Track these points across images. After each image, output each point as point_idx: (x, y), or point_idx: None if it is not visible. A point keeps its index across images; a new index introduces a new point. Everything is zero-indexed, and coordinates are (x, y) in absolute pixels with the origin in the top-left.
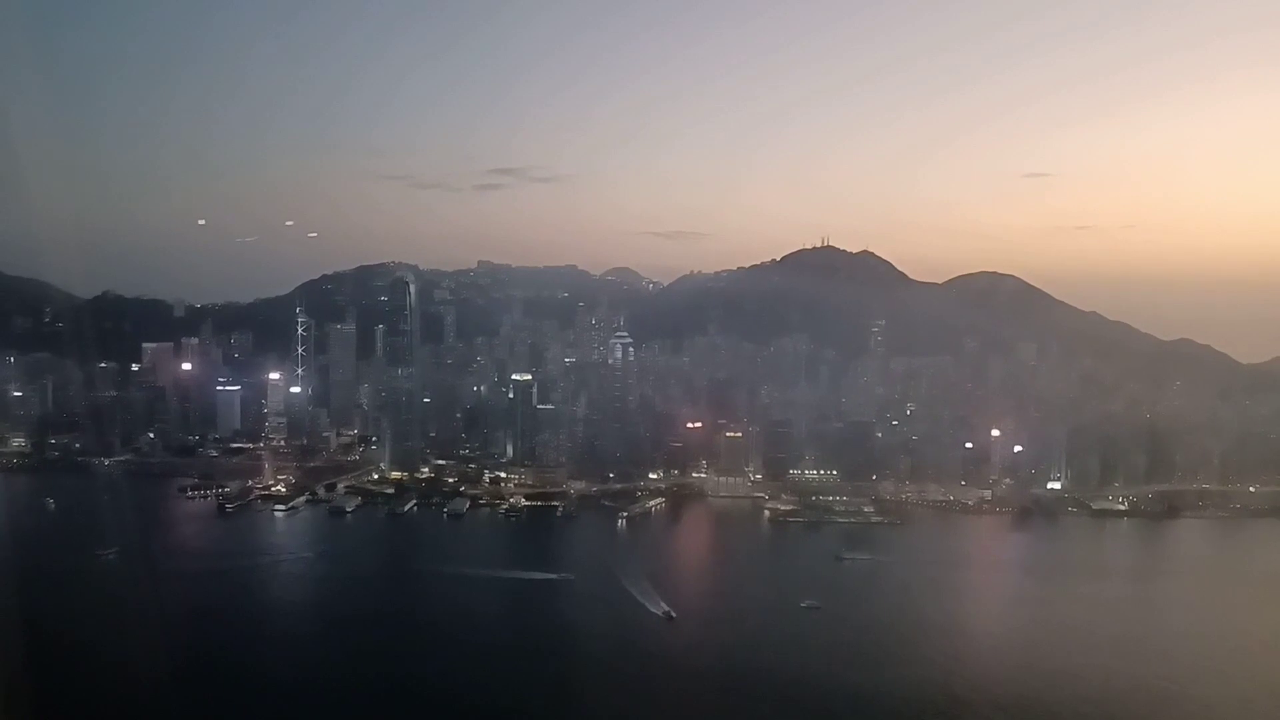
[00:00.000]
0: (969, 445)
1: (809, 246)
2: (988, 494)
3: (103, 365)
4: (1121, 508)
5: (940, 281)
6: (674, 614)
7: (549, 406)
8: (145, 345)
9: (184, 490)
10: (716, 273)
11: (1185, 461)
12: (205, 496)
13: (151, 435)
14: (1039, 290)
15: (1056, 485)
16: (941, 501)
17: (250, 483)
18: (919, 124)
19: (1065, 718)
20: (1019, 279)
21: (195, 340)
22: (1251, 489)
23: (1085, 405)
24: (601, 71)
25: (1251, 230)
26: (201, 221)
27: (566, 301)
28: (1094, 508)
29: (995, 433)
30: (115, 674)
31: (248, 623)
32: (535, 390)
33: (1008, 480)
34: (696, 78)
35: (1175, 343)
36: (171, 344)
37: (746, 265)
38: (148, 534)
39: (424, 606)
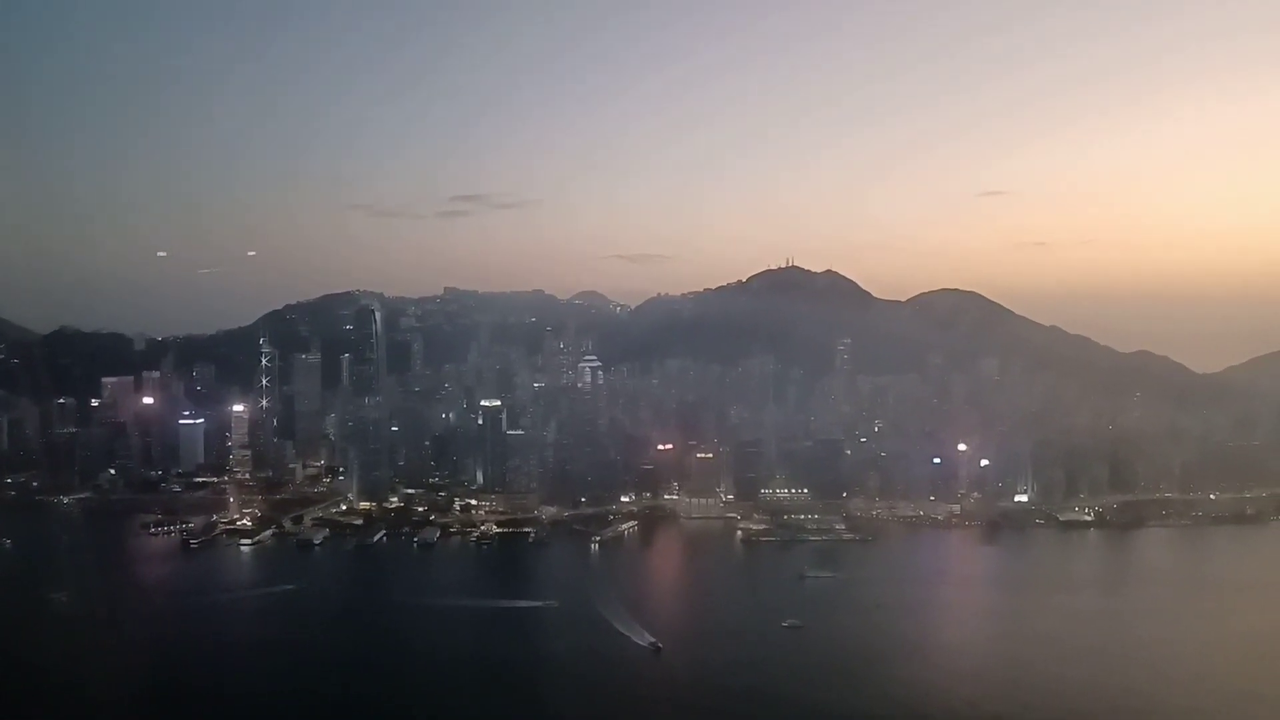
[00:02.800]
0: (937, 460)
1: (774, 267)
2: (956, 508)
3: (61, 401)
4: (1088, 519)
5: (903, 299)
6: (660, 645)
7: (519, 432)
8: (105, 380)
9: (146, 527)
10: (683, 295)
11: (1147, 472)
12: (169, 533)
13: (112, 471)
14: (1000, 306)
15: (1023, 498)
16: (912, 517)
17: (215, 517)
18: (878, 145)
19: None
20: (980, 295)
21: (156, 374)
22: (1212, 496)
23: (1049, 418)
24: (563, 98)
25: (1204, 245)
26: (162, 253)
27: (534, 326)
28: (1061, 519)
29: (962, 447)
30: None
31: (204, 663)
32: (504, 416)
33: (975, 494)
34: (658, 103)
35: (1134, 355)
36: (132, 378)
37: (713, 287)
38: (106, 573)
39: (397, 642)
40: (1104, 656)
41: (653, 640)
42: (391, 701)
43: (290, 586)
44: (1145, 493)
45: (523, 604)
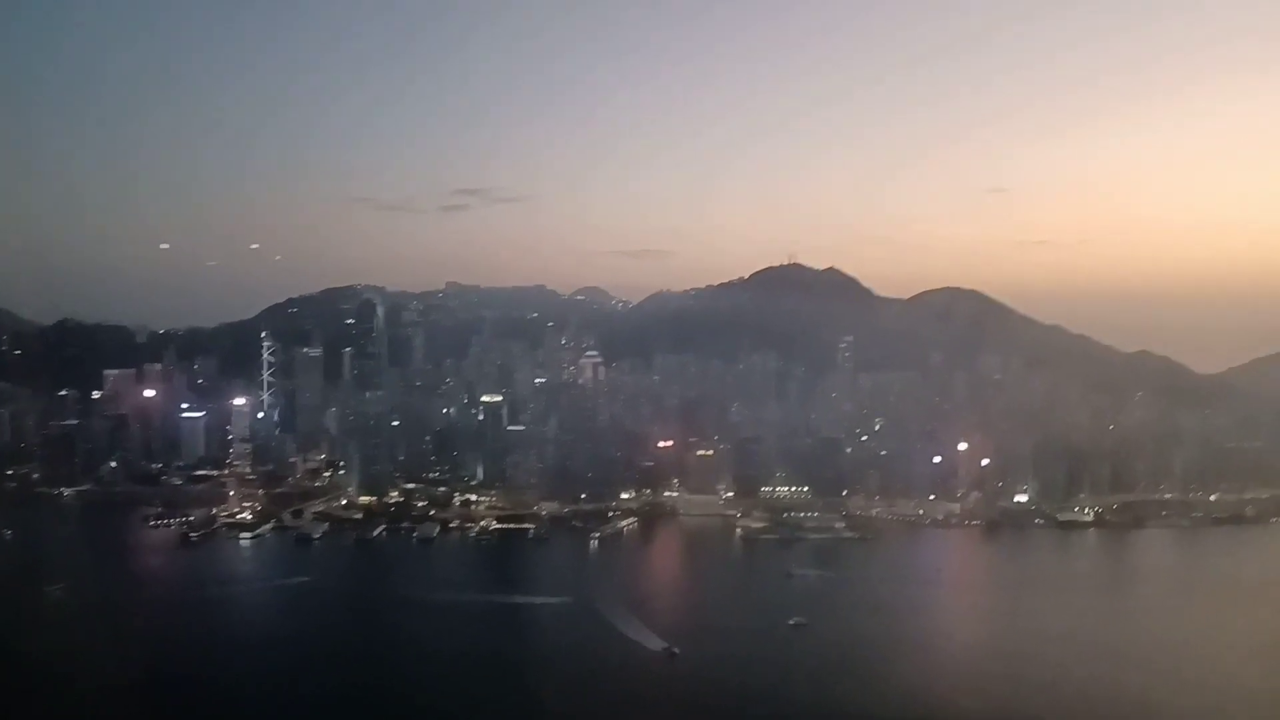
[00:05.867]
0: (937, 459)
1: (776, 264)
2: (956, 508)
3: (62, 393)
4: (1087, 519)
5: (905, 297)
6: (675, 650)
7: (519, 427)
8: (106, 372)
9: (147, 520)
10: (685, 291)
11: (1148, 472)
12: (169, 525)
13: (113, 464)
14: (1001, 305)
15: (1024, 498)
16: (911, 516)
17: (215, 510)
18: (881, 142)
19: None
20: (982, 294)
21: (158, 366)
22: (1212, 497)
23: (1049, 418)
24: (565, 93)
25: (1205, 244)
26: (165, 245)
27: (536, 321)
28: (1060, 519)
29: (962, 446)
30: None
31: (202, 657)
32: (505, 411)
33: (976, 494)
34: (662, 98)
35: (1135, 355)
36: (134, 371)
37: (715, 283)
38: (105, 566)
39: (413, 638)
40: (1106, 656)
41: (666, 645)
42: (417, 701)
43: (285, 581)
44: (1145, 493)
45: (536, 600)
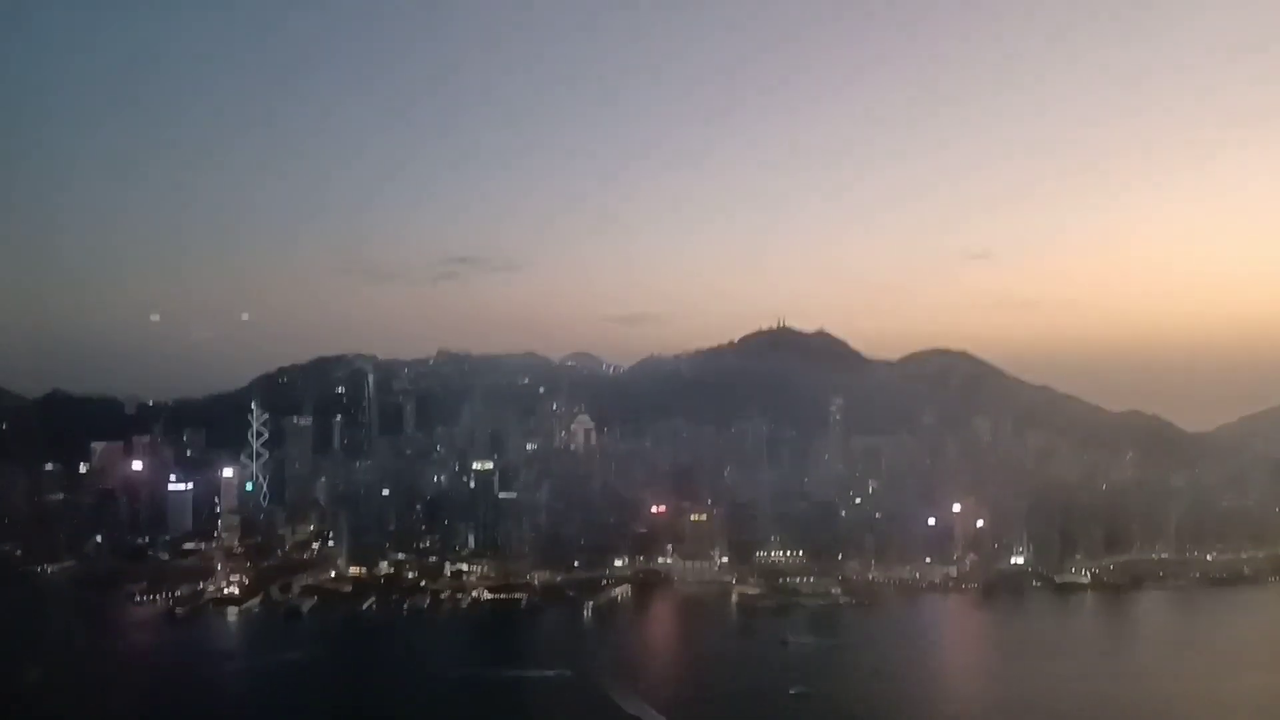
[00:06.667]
0: (931, 522)
1: (766, 328)
2: (953, 571)
3: (49, 467)
4: (1084, 581)
5: (895, 359)
6: None
7: (511, 495)
8: (94, 445)
9: (132, 596)
10: (676, 356)
11: (1142, 532)
12: (154, 601)
13: (99, 539)
14: (990, 366)
15: (1020, 560)
16: (908, 580)
17: (202, 585)
18: (868, 205)
19: None
20: (971, 355)
21: (147, 438)
22: (1208, 557)
23: (1042, 479)
24: (553, 161)
25: (1190, 303)
26: (155, 317)
27: (527, 388)
28: (1057, 582)
29: (957, 508)
30: None
31: None
32: (497, 479)
33: (972, 556)
34: (649, 164)
35: (1124, 414)
36: (122, 443)
37: (705, 348)
38: (87, 646)
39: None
40: None
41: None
42: None
43: (292, 655)
44: (1140, 554)
45: (530, 674)
